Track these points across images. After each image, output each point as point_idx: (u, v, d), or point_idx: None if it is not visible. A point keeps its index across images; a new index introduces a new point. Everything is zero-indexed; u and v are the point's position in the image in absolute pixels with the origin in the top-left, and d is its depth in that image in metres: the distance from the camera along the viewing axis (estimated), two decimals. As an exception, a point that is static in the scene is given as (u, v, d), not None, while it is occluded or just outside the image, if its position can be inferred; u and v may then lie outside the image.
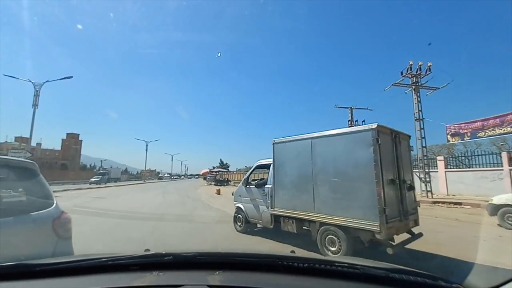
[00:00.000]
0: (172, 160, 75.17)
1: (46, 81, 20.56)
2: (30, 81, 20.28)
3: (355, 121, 23.61)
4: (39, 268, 1.33)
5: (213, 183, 40.32)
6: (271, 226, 6.22)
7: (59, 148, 78.93)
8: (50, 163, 70.69)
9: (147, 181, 47.80)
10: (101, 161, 73.51)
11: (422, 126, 17.12)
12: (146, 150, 51.17)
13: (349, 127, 25.23)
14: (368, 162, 4.39)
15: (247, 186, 7.21)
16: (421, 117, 17.20)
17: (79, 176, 54.44)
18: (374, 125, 4.42)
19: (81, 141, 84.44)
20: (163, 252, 1.45)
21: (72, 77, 20.75)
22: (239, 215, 7.29)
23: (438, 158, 20.48)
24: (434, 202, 14.71)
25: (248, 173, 7.59)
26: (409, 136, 5.69)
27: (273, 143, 6.24)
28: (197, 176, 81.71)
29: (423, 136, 17.10)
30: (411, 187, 5.22)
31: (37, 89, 20.25)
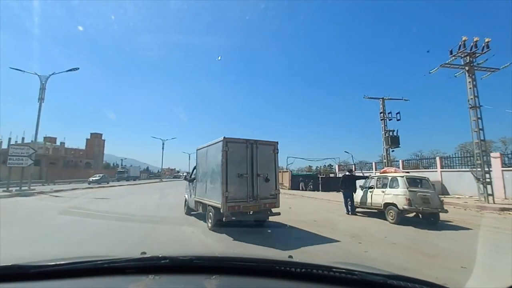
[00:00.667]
0: (189, 159, 73.98)
1: (52, 74, 19.07)
2: (36, 74, 18.84)
3: (389, 113, 20.33)
4: (34, 270, 1.27)
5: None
6: (198, 210, 8.28)
7: (84, 148, 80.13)
8: (75, 162, 71.79)
9: (163, 180, 46.62)
10: (121, 159, 73.89)
11: (479, 115, 13.72)
12: (163, 148, 50.31)
13: (381, 120, 22.12)
14: (220, 163, 6.66)
15: (188, 181, 9.49)
16: (477, 105, 13.81)
17: (99, 174, 54.30)
18: (222, 138, 6.70)
19: (104, 140, 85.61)
20: (160, 255, 1.41)
21: (78, 68, 19.21)
22: (185, 202, 9.69)
23: (493, 155, 16.96)
24: (502, 209, 11.44)
25: (191, 172, 9.49)
26: (275, 142, 7.48)
27: (196, 150, 8.52)
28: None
29: (480, 127, 13.69)
30: (267, 179, 7.06)
31: (43, 82, 18.75)
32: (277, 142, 7.54)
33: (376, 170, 25.98)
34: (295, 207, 12.26)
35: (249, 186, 6.85)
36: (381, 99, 21.02)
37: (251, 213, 7.07)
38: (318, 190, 28.03)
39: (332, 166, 59.71)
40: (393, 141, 19.46)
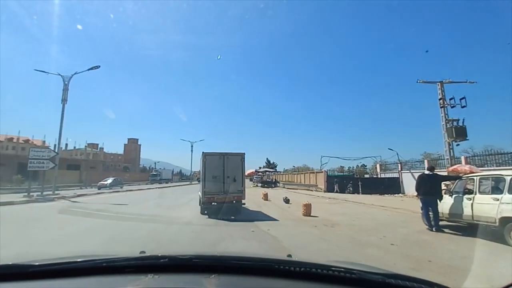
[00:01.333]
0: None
1: (75, 73, 18.03)
2: (60, 74, 17.85)
3: (451, 98, 16.37)
4: (33, 269, 1.22)
5: (260, 184, 35.45)
6: (202, 204, 9.80)
7: (122, 152, 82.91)
8: (114, 166, 74.25)
9: (193, 183, 45.32)
10: (155, 163, 74.95)
11: None
12: (192, 151, 49.44)
13: (441, 108, 18.16)
14: (202, 168, 9.84)
15: (200, 182, 11.88)
16: None
17: (134, 177, 55.11)
18: (202, 152, 9.99)
19: (140, 145, 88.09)
20: (159, 255, 1.37)
21: (99, 66, 17.91)
22: (199, 199, 10.83)
23: None
24: None
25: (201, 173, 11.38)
26: (243, 153, 10.15)
27: (202, 155, 10.36)
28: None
29: None
30: (235, 180, 9.62)
31: (66, 82, 17.69)
32: (244, 153, 10.15)
33: (429, 169, 21.73)
34: (348, 217, 9.24)
35: (221, 184, 9.44)
36: (438, 83, 17.11)
37: (234, 202, 9.61)
38: (358, 193, 24.38)
39: (365, 166, 54.61)
40: (459, 132, 15.50)
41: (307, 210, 9.41)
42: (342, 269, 1.21)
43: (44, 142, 50.96)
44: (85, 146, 67.24)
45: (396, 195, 22.93)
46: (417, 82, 17.56)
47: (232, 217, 8.77)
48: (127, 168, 76.45)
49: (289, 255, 1.72)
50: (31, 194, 14.86)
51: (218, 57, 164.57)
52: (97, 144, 73.86)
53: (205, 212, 9.38)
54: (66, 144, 59.93)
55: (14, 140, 50.72)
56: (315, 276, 1.21)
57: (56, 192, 17.18)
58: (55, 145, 53.81)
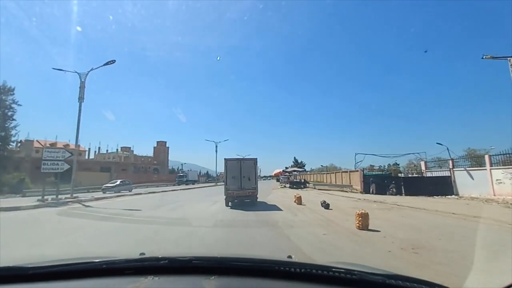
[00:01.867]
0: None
1: (91, 69, 16.84)
2: (76, 72, 16.72)
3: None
4: (33, 271, 1.19)
5: (288, 185, 32.75)
6: (225, 198, 12.29)
7: (152, 155, 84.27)
8: (145, 168, 75.54)
9: (218, 184, 43.76)
10: (182, 164, 75.08)
11: None
12: (216, 151, 47.98)
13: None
14: (224, 171, 12.97)
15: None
16: None
17: (162, 178, 55.14)
18: (224, 158, 13.07)
19: (168, 147, 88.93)
20: (159, 256, 1.34)
21: (114, 61, 16.51)
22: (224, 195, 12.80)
23: None
24: None
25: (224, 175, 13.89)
26: (255, 158, 13.12)
27: (224, 160, 13.14)
28: (269, 178, 75.46)
29: None
30: (249, 179, 12.29)
31: (83, 80, 16.50)
32: (256, 158, 13.13)
33: (491, 166, 17.74)
34: (424, 234, 6.36)
35: (239, 182, 12.21)
36: (510, 58, 13.41)
37: (249, 195, 12.33)
38: (401, 194, 20.85)
39: (398, 164, 49.40)
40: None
41: (364, 221, 6.72)
42: (343, 270, 1.18)
43: (79, 146, 52.58)
44: (117, 149, 69.08)
45: (449, 197, 19.12)
46: (482, 58, 13.96)
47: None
48: (157, 170, 77.46)
49: (289, 256, 1.69)
50: (45, 197, 13.63)
51: (218, 58, 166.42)
52: (129, 148, 75.68)
53: (229, 204, 12.00)
54: (99, 148, 61.73)
55: (57, 146, 52.88)
56: (316, 277, 1.17)
57: (75, 195, 15.95)
58: (89, 148, 55.19)
